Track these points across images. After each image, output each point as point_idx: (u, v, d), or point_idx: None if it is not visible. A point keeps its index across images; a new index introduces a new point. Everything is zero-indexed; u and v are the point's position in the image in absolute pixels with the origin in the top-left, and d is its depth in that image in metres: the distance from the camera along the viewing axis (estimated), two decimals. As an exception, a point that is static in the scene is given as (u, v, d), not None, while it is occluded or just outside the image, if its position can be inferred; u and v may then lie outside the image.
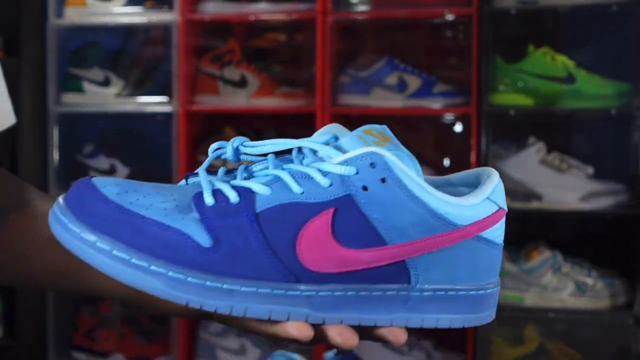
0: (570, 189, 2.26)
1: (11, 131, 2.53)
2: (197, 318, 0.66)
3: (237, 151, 0.65)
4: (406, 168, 0.62)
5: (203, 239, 0.60)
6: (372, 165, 0.61)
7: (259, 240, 0.60)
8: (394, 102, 2.39)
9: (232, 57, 2.54)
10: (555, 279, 2.22)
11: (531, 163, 2.29)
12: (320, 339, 0.63)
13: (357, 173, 0.61)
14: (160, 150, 2.59)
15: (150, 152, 2.71)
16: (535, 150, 2.30)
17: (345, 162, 0.61)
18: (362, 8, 2.42)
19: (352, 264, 0.61)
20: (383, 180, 0.61)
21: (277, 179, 0.62)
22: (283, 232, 0.61)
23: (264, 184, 0.62)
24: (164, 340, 2.58)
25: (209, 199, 0.61)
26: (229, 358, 2.49)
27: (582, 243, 2.39)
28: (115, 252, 0.59)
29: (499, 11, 2.29)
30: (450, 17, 2.38)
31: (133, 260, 0.59)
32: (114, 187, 0.62)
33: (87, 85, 2.61)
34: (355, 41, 2.59)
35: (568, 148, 2.38)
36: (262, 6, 2.47)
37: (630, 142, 2.30)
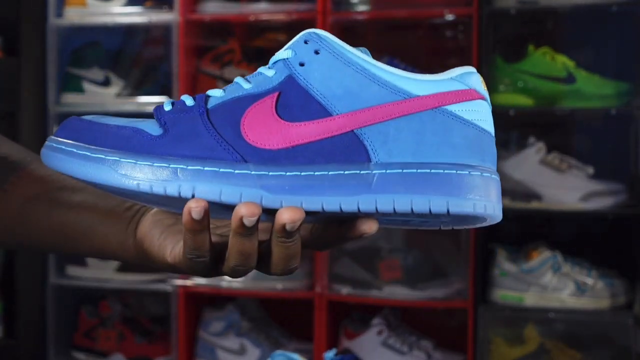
0: (570, 189, 2.26)
1: (11, 131, 2.54)
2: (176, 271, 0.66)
3: None
4: (340, 41, 0.63)
5: (154, 130, 0.62)
6: (306, 42, 0.63)
7: (206, 124, 0.61)
8: (394, 102, 2.39)
9: (232, 57, 2.54)
10: (555, 279, 2.22)
11: (531, 163, 2.29)
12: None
13: (295, 54, 0.62)
14: (160, 150, 2.58)
15: (150, 152, 2.71)
16: (535, 150, 2.30)
17: (285, 49, 0.63)
18: (362, 8, 2.42)
19: (296, 138, 0.60)
20: (316, 52, 0.62)
21: (234, 83, 0.64)
22: (229, 117, 0.61)
23: (220, 89, 0.64)
24: (164, 340, 2.58)
25: (167, 106, 0.64)
26: (229, 358, 2.49)
27: (582, 243, 2.39)
28: (79, 151, 0.62)
29: (499, 11, 2.29)
30: (450, 17, 2.38)
31: (91, 154, 0.62)
32: (91, 115, 0.68)
33: (87, 85, 2.61)
34: (355, 41, 2.58)
35: (568, 148, 2.38)
36: (262, 6, 2.47)
37: (630, 142, 2.30)
